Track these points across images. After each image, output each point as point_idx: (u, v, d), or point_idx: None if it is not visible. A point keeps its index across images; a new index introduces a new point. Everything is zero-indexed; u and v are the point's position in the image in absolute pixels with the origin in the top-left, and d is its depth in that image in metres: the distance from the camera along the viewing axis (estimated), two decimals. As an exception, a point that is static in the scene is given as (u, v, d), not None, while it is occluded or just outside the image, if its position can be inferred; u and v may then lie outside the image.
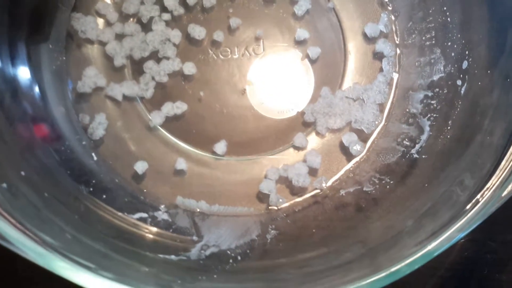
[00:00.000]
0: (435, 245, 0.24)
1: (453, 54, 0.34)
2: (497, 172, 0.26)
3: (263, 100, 0.37)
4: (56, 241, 0.24)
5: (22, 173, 0.28)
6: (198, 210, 0.34)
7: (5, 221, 0.24)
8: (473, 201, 0.25)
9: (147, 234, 0.31)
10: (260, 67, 0.38)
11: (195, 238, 0.32)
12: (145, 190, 0.35)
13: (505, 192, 0.25)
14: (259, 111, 0.37)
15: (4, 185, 0.25)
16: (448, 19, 0.35)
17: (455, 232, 0.24)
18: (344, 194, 0.35)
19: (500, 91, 0.30)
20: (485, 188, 0.25)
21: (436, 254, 0.24)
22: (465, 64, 0.33)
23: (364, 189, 0.34)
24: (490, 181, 0.26)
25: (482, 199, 0.25)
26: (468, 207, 0.25)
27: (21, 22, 0.33)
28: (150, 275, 0.26)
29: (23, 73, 0.33)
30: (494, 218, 0.35)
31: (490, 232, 0.36)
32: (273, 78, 0.38)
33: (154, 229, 0.32)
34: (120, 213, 0.32)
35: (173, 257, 0.30)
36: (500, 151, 0.27)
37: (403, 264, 0.24)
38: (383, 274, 0.24)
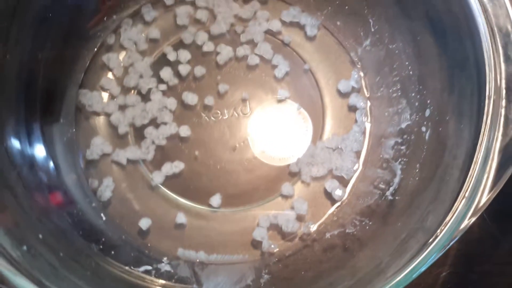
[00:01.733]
0: (406, 273, 0.28)
1: (416, 103, 0.38)
2: (455, 206, 0.29)
3: (253, 155, 0.41)
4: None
5: (40, 236, 0.32)
6: (198, 260, 0.38)
7: (26, 279, 0.27)
8: (436, 233, 0.29)
9: (152, 286, 0.35)
10: (248, 125, 0.42)
11: (195, 286, 0.35)
12: (149, 245, 0.38)
13: (462, 225, 0.29)
14: (249, 166, 0.41)
15: (24, 247, 0.29)
16: (410, 72, 0.39)
17: (421, 262, 0.28)
18: (329, 237, 0.38)
19: (456, 135, 0.33)
20: (444, 222, 0.29)
21: (412, 278, 0.28)
22: (427, 112, 0.37)
23: (347, 231, 0.37)
24: (449, 215, 0.29)
25: (441, 232, 0.28)
26: (431, 240, 0.29)
27: (35, 104, 0.37)
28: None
29: (39, 150, 0.37)
30: (473, 252, 0.39)
31: (470, 264, 0.39)
32: (262, 134, 0.42)
33: (158, 280, 0.35)
34: (127, 267, 0.35)
35: (176, 303, 0.33)
36: (458, 189, 0.30)
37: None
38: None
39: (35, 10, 0.36)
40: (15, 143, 0.35)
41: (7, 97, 0.35)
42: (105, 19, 0.42)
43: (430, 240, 0.29)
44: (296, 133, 0.42)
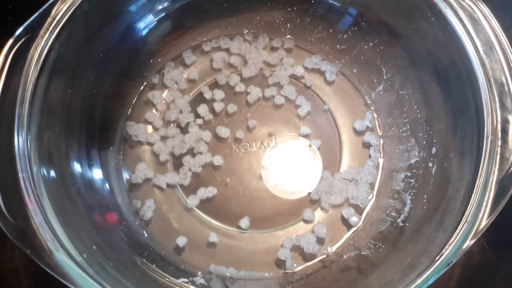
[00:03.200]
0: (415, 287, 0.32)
1: (424, 142, 0.43)
2: (458, 230, 0.33)
3: (277, 183, 0.45)
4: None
5: (94, 247, 0.36)
6: (228, 275, 0.41)
7: (89, 278, 0.32)
8: (441, 252, 0.33)
9: None
10: (273, 157, 0.46)
11: None
12: (185, 260, 0.42)
13: (464, 246, 0.33)
14: (274, 193, 0.45)
15: (84, 255, 0.34)
16: (419, 115, 0.44)
17: (426, 279, 0.32)
18: (346, 258, 0.42)
19: (459, 170, 0.38)
20: (449, 243, 0.33)
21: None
22: (433, 150, 0.41)
23: (362, 253, 0.41)
24: (452, 238, 0.33)
25: (446, 251, 0.33)
26: (437, 257, 0.33)
27: (94, 133, 0.43)
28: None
29: (96, 172, 0.42)
30: (474, 276, 0.43)
31: (471, 287, 0.43)
32: (284, 165, 0.46)
33: (195, 290, 0.39)
34: (166, 279, 0.39)
35: (210, 312, 0.37)
36: (460, 215, 0.34)
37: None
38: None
39: (99, 51, 0.42)
40: (76, 163, 0.40)
41: (71, 125, 0.40)
42: (151, 61, 0.48)
43: (437, 257, 0.33)
44: (311, 167, 0.46)
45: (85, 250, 0.34)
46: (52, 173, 0.36)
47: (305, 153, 0.47)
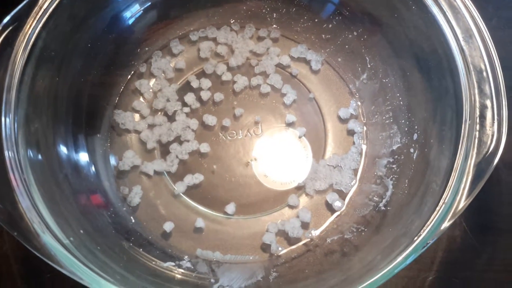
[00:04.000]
0: (393, 266, 0.33)
1: (406, 129, 0.44)
2: (436, 211, 0.34)
3: (264, 170, 0.46)
4: (110, 277, 0.33)
5: (81, 231, 0.37)
6: (214, 259, 0.42)
7: (76, 260, 0.32)
8: (420, 233, 0.34)
9: (176, 275, 0.39)
10: (260, 144, 0.47)
11: (212, 280, 0.40)
12: (172, 245, 0.43)
13: (442, 226, 0.34)
14: (260, 180, 0.46)
15: (71, 238, 0.34)
16: (401, 102, 0.45)
17: (404, 259, 0.33)
18: (330, 242, 0.42)
19: (439, 155, 0.39)
20: (426, 225, 0.34)
21: (395, 272, 0.32)
22: (415, 136, 0.42)
23: (345, 236, 0.42)
24: (430, 219, 0.34)
25: (424, 232, 0.34)
26: (415, 238, 0.34)
27: (81, 119, 0.43)
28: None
29: (83, 156, 0.43)
30: (455, 260, 0.44)
31: (453, 270, 0.43)
32: (270, 153, 0.47)
33: (181, 272, 0.40)
34: (153, 262, 0.40)
35: (196, 294, 0.38)
36: (439, 198, 0.35)
37: (370, 281, 0.32)
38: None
39: (86, 40, 0.43)
40: (63, 149, 0.40)
41: (59, 112, 0.41)
42: (138, 50, 0.49)
43: (415, 238, 0.34)
44: (299, 156, 0.47)
45: (72, 234, 0.35)
46: (39, 158, 0.37)
47: (292, 141, 0.47)
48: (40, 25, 0.38)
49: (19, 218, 0.33)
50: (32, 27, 0.37)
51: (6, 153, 0.34)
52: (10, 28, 0.37)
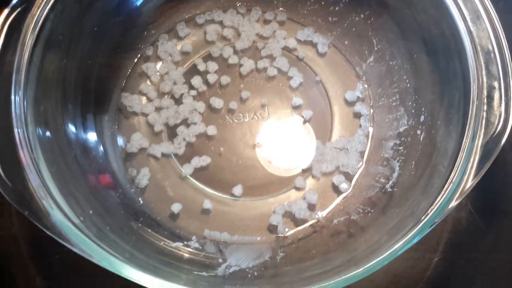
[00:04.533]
0: (399, 246, 0.33)
1: (413, 111, 0.44)
2: (443, 190, 0.35)
3: (269, 152, 0.46)
4: (120, 255, 0.33)
5: (91, 211, 0.37)
6: (222, 239, 0.43)
7: (86, 238, 0.33)
8: (427, 212, 0.34)
9: (184, 255, 0.40)
10: (266, 127, 0.47)
11: (220, 260, 0.40)
12: (180, 226, 0.43)
13: (450, 205, 0.34)
14: (264, 165, 0.46)
15: (81, 217, 0.35)
16: (408, 85, 0.45)
17: (410, 238, 0.33)
18: (336, 223, 0.43)
19: (446, 136, 0.39)
20: (434, 204, 0.34)
21: (400, 252, 0.33)
22: (422, 118, 0.42)
23: (352, 218, 0.42)
24: (438, 198, 0.34)
25: (431, 211, 0.34)
26: (423, 217, 0.34)
27: (89, 101, 0.43)
28: (189, 281, 0.34)
29: (91, 136, 0.43)
30: (461, 241, 0.44)
31: (458, 251, 0.44)
32: (277, 136, 0.47)
33: (189, 251, 0.40)
34: (162, 242, 0.40)
35: (204, 273, 0.38)
36: (446, 178, 0.35)
37: (376, 260, 0.32)
38: (361, 269, 0.32)
39: (93, 23, 0.43)
40: (72, 128, 0.41)
41: (67, 94, 0.41)
42: (145, 33, 0.49)
43: (422, 218, 0.34)
44: (303, 142, 0.47)
45: (82, 214, 0.35)
46: (49, 138, 0.37)
47: (298, 125, 0.48)
48: (48, 7, 0.37)
49: (30, 197, 0.33)
50: (40, 9, 0.37)
51: (15, 132, 0.34)
52: (19, 9, 0.37)
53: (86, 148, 0.42)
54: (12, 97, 0.35)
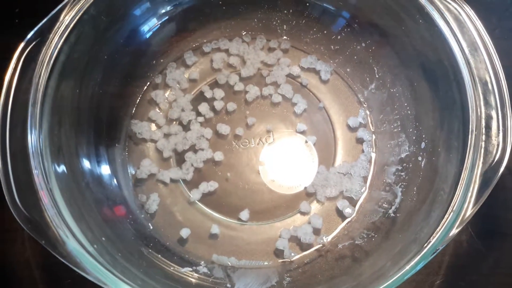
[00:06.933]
0: (403, 272, 0.34)
1: (414, 137, 0.45)
2: (444, 219, 0.36)
3: (273, 176, 0.48)
4: (132, 282, 0.34)
5: (103, 238, 0.38)
6: (229, 264, 0.44)
7: (100, 266, 0.34)
8: (429, 240, 0.35)
9: (193, 280, 0.41)
10: (271, 152, 0.49)
11: (228, 285, 0.41)
12: (188, 250, 0.44)
13: (450, 233, 0.35)
14: (271, 188, 0.47)
15: (95, 246, 0.36)
16: (409, 111, 0.46)
17: (414, 265, 0.34)
18: (341, 247, 0.44)
19: (446, 163, 0.40)
20: (435, 232, 0.35)
21: (405, 278, 0.34)
22: (423, 145, 0.44)
23: (356, 242, 0.43)
24: (439, 226, 0.35)
25: (433, 239, 0.35)
26: (425, 245, 0.35)
27: (101, 128, 0.45)
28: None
29: (104, 164, 0.44)
30: (462, 264, 0.45)
31: (460, 274, 0.45)
32: (282, 161, 0.48)
33: (197, 277, 0.41)
34: (172, 267, 0.41)
35: (213, 298, 0.39)
36: (447, 206, 0.37)
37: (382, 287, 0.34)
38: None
39: (105, 53, 0.44)
40: (85, 156, 0.42)
41: (80, 123, 0.42)
42: (154, 62, 0.50)
43: (425, 245, 0.35)
44: (307, 162, 0.48)
45: (96, 241, 0.36)
46: (63, 169, 0.38)
47: (302, 148, 0.49)
48: (62, 39, 0.39)
49: (46, 226, 0.34)
50: (55, 42, 0.39)
51: (32, 163, 0.36)
52: (34, 43, 0.38)
53: (99, 177, 0.43)
54: (28, 129, 0.37)
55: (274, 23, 0.51)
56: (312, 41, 0.51)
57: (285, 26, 0.51)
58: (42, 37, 0.39)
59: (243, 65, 0.51)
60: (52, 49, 0.39)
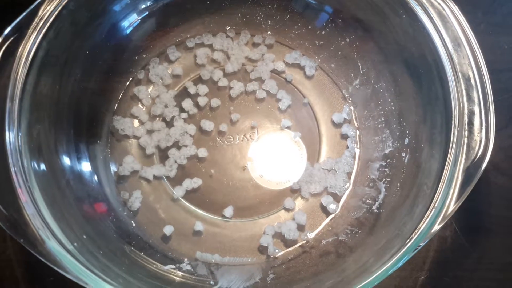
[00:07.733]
0: (386, 268, 0.34)
1: (397, 133, 0.45)
2: (427, 214, 0.36)
3: (260, 173, 0.47)
4: (113, 280, 0.34)
5: (84, 236, 0.38)
6: (213, 261, 0.43)
7: (80, 265, 0.33)
8: (411, 236, 0.35)
9: (176, 278, 0.40)
10: (256, 148, 0.48)
11: (212, 282, 0.41)
12: (171, 248, 0.44)
13: (433, 230, 0.35)
14: (257, 183, 0.47)
15: (75, 244, 0.35)
16: (392, 107, 0.46)
17: (397, 261, 0.34)
18: (325, 244, 0.44)
19: (429, 159, 0.40)
20: (418, 227, 0.35)
21: (388, 274, 0.34)
22: (406, 141, 0.44)
23: (340, 238, 0.43)
24: (421, 222, 0.36)
25: (415, 235, 0.35)
26: (407, 241, 0.35)
27: (82, 125, 0.44)
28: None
29: (84, 160, 0.44)
30: (446, 259, 0.45)
31: (444, 270, 0.45)
32: (266, 157, 0.48)
33: (181, 275, 0.41)
34: (154, 265, 0.41)
35: (196, 296, 0.39)
36: (429, 202, 0.37)
37: (366, 282, 0.34)
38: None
39: (85, 49, 0.44)
40: (65, 155, 0.42)
41: (60, 120, 0.42)
42: (136, 57, 0.50)
43: (407, 241, 0.35)
44: (294, 158, 0.48)
45: (76, 239, 0.36)
46: (42, 166, 0.38)
47: (287, 144, 0.49)
48: (41, 35, 0.38)
49: (25, 225, 0.34)
50: (33, 37, 0.38)
51: (10, 161, 0.35)
52: (12, 38, 0.37)
53: (79, 174, 0.43)
54: (6, 126, 0.36)
55: (258, 18, 0.51)
56: (297, 36, 0.51)
57: (269, 21, 0.51)
58: (21, 33, 0.38)
59: (227, 61, 0.51)
60: (31, 45, 0.38)
